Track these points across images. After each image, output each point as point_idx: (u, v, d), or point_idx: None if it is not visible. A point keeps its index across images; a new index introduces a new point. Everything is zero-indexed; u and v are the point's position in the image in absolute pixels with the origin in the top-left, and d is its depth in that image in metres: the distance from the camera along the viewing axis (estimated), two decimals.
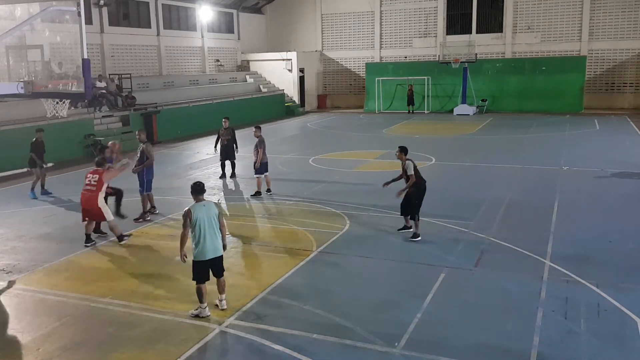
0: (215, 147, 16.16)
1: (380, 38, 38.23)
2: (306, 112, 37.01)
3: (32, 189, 14.72)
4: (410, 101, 34.78)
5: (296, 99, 37.40)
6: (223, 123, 16.00)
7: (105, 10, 27.03)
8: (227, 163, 16.45)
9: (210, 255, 7.35)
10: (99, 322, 7.42)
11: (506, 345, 6.65)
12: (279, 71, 37.28)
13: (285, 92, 36.73)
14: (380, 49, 38.33)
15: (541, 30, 34.66)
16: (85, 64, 6.98)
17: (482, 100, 34.05)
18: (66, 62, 8.13)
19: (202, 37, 34.07)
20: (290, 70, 37.12)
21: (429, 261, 9.36)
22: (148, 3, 30.13)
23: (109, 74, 26.02)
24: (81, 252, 10.19)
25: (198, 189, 7.48)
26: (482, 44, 34.86)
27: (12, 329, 7.30)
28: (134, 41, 29.29)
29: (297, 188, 14.85)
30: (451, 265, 9.13)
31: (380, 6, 37.76)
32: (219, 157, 16.31)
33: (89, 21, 24.94)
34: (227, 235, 7.88)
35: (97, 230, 11.07)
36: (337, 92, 40.30)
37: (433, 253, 9.73)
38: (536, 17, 34.58)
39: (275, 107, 34.58)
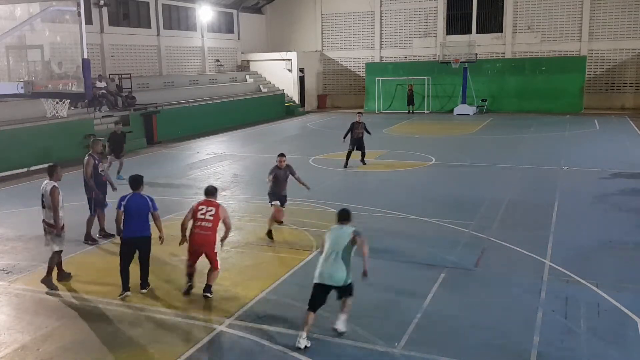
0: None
1: (380, 38, 38.23)
2: (306, 112, 37.01)
3: (118, 172, 16.03)
4: (410, 101, 34.79)
5: (296, 99, 37.40)
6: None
7: (105, 10, 27.04)
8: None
9: (326, 281, 6.68)
10: (99, 322, 7.42)
11: (506, 345, 6.65)
12: (279, 71, 37.27)
13: (285, 92, 36.73)
14: (380, 49, 38.33)
15: (541, 30, 34.66)
16: (85, 64, 6.97)
17: (482, 100, 34.05)
18: (66, 62, 8.13)
19: (202, 37, 34.07)
20: (290, 70, 37.12)
21: (429, 261, 9.36)
22: (148, 3, 30.13)
23: (109, 74, 26.02)
24: (81, 252, 10.18)
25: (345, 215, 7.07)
26: (482, 44, 34.85)
27: (12, 329, 7.29)
28: (134, 41, 29.29)
29: (297, 188, 14.80)
30: (451, 265, 9.13)
31: (380, 6, 37.76)
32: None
33: (89, 21, 24.95)
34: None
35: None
36: (337, 92, 40.29)
37: (433, 253, 9.73)
38: (536, 17, 34.58)
39: (275, 107, 34.58)
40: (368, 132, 17.86)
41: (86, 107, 21.80)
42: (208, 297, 8.09)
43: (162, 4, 30.96)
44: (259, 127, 29.62)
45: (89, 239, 10.73)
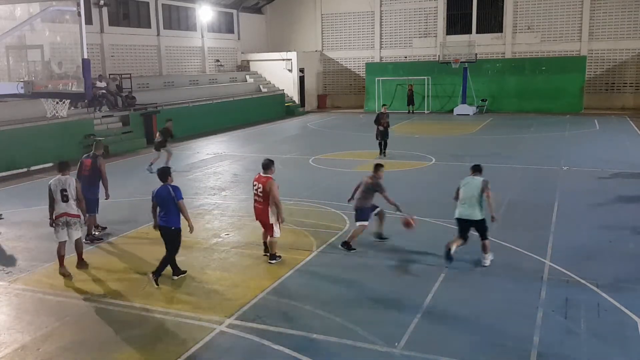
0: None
1: (380, 38, 38.23)
2: (306, 112, 37.01)
3: (151, 164, 17.20)
4: (410, 101, 34.78)
5: (296, 99, 37.40)
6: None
7: (105, 10, 27.04)
8: None
9: (464, 217, 9.11)
10: (99, 322, 7.42)
11: (506, 345, 6.65)
12: (279, 71, 37.28)
13: (285, 92, 36.73)
14: (380, 49, 38.33)
15: (541, 30, 34.66)
16: (85, 64, 6.98)
17: (482, 100, 34.05)
18: (66, 62, 8.13)
19: (202, 37, 34.07)
20: (290, 70, 37.12)
21: (429, 261, 9.36)
22: (148, 3, 30.13)
23: (109, 74, 26.03)
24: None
25: None
26: (482, 44, 34.86)
27: (12, 329, 7.29)
28: (134, 41, 29.29)
29: (297, 188, 14.82)
30: (451, 265, 9.12)
31: (380, 6, 37.76)
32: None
33: (89, 21, 24.94)
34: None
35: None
36: (337, 92, 40.29)
37: (433, 253, 9.73)
38: (536, 17, 34.59)
39: (275, 107, 34.57)
40: (388, 126, 19.34)
41: (86, 107, 21.81)
42: (271, 263, 9.32)
43: (162, 4, 30.96)
44: (259, 127, 29.61)
45: (92, 238, 10.84)
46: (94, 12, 26.35)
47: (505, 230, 10.94)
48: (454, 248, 9.03)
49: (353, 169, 17.38)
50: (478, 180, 9.17)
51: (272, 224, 9.21)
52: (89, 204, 10.56)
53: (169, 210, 8.51)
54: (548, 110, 32.70)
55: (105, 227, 11.43)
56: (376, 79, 36.00)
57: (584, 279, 8.43)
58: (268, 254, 9.51)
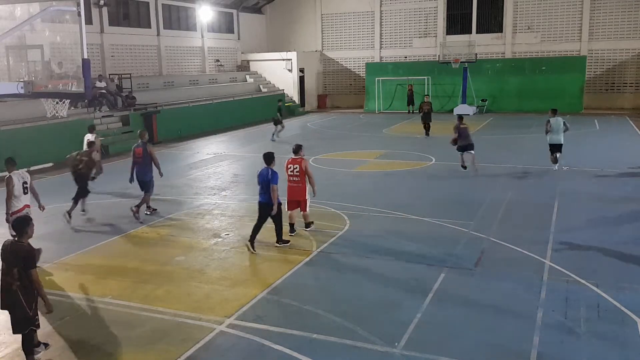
0: None
1: (380, 38, 38.23)
2: (306, 112, 37.01)
3: (273, 134, 24.03)
4: (410, 101, 34.77)
5: (296, 99, 37.40)
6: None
7: (105, 10, 27.03)
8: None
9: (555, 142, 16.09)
10: (99, 322, 7.42)
11: (506, 345, 6.66)
12: (279, 71, 37.27)
13: (285, 92, 36.72)
14: (380, 49, 38.33)
15: (541, 30, 34.66)
16: (85, 64, 6.97)
17: (482, 100, 34.05)
18: (66, 62, 8.12)
19: (202, 37, 34.07)
20: (290, 70, 37.12)
21: (429, 261, 9.36)
22: (148, 3, 30.13)
23: (109, 74, 26.02)
24: (81, 252, 10.19)
25: None
26: (482, 44, 34.85)
27: None
28: (134, 41, 29.29)
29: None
30: (451, 265, 9.13)
31: (380, 6, 37.77)
32: None
33: (89, 21, 24.94)
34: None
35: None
36: (337, 92, 40.29)
37: (433, 253, 9.73)
38: (536, 17, 34.58)
39: (275, 107, 34.49)
40: (432, 110, 24.45)
41: (86, 107, 21.80)
42: (308, 230, 10.84)
43: (162, 4, 30.95)
44: (259, 127, 29.62)
45: (151, 211, 12.50)
46: (94, 12, 26.35)
47: (505, 230, 10.95)
48: (556, 166, 15.87)
49: (353, 169, 17.39)
50: (559, 118, 16.27)
51: (306, 199, 10.67)
52: (146, 185, 12.20)
53: (266, 189, 9.71)
54: (548, 110, 32.59)
55: (156, 209, 12.62)
56: (376, 79, 35.99)
57: (584, 279, 8.43)
58: (293, 233, 10.71)
